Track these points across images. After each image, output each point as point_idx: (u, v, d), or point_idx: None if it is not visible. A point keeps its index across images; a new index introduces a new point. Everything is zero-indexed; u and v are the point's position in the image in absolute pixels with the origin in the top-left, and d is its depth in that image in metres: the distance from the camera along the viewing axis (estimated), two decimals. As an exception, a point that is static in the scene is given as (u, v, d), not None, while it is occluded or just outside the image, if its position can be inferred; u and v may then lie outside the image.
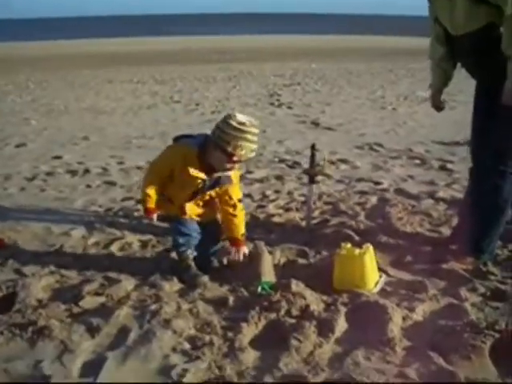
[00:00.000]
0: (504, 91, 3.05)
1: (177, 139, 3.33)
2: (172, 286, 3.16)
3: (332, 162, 6.11)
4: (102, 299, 3.02)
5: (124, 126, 8.81)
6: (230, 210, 3.39)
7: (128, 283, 3.20)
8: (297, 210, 4.55)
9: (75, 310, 2.90)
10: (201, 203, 3.40)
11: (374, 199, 4.80)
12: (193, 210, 3.37)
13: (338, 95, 11.89)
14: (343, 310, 2.80)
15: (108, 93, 12.71)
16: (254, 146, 3.12)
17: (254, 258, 3.29)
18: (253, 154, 3.17)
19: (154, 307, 2.85)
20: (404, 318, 2.74)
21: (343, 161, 6.25)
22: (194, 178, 3.20)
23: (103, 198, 5.01)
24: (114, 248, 3.79)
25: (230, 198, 3.37)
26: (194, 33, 45.84)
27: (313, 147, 4.10)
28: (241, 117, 3.09)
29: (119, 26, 68.65)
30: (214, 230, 3.48)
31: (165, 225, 4.18)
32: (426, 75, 14.89)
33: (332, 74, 16.09)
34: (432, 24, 3.41)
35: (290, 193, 5.05)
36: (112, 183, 5.52)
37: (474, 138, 3.51)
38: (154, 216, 3.31)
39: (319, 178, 5.03)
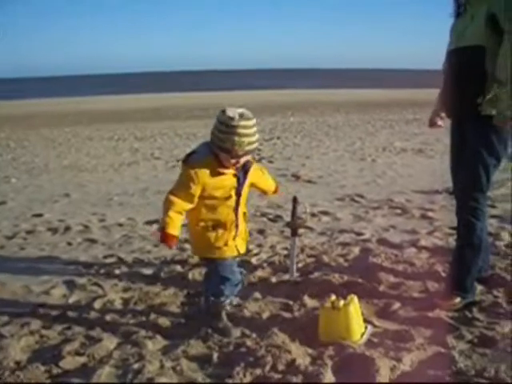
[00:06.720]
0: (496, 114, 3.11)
1: (186, 160, 3.16)
2: (155, 343, 3.10)
3: (313, 215, 6.13)
4: (82, 359, 2.96)
5: (105, 182, 8.79)
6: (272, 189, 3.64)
7: (110, 342, 3.13)
8: (280, 263, 4.53)
9: (55, 370, 2.84)
10: (242, 214, 3.36)
11: (356, 250, 4.80)
12: (243, 229, 3.37)
13: (317, 148, 12.02)
14: (330, 362, 2.77)
15: (89, 150, 12.72)
16: (249, 139, 3.03)
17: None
18: (253, 146, 3.08)
19: (136, 366, 2.79)
20: (392, 369, 2.71)
21: (324, 213, 6.27)
22: (227, 178, 3.16)
23: (84, 256, 4.94)
24: (96, 306, 3.72)
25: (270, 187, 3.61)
26: (174, 90, 46.44)
27: (294, 200, 4.13)
28: (230, 112, 3.02)
29: (97, 84, 69.48)
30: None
31: (142, 285, 4.15)
32: (404, 126, 15.06)
33: (310, 128, 16.31)
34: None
35: (272, 246, 5.03)
36: (93, 240, 5.46)
37: (451, 177, 3.60)
38: (174, 244, 3.10)
39: (301, 230, 5.06)
